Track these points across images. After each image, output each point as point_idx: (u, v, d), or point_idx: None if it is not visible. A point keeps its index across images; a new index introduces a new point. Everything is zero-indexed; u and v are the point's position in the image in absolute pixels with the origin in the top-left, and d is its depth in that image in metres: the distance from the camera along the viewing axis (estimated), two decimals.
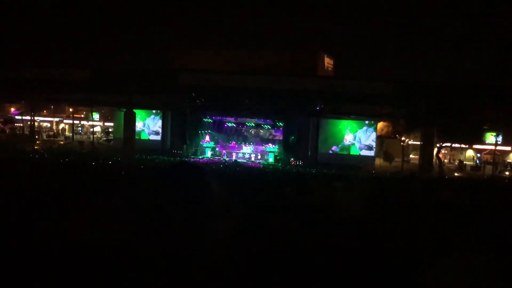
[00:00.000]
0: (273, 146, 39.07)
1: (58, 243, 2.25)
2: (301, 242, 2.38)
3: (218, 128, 41.06)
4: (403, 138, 38.51)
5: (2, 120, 49.65)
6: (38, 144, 40.93)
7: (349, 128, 36.33)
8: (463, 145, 40.05)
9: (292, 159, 36.64)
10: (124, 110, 34.51)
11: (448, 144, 38.50)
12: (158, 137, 40.13)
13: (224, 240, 1.90)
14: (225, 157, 38.22)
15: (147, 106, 38.61)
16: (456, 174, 35.84)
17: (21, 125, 48.75)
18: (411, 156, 42.31)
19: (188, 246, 1.88)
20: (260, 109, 36.67)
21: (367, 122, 36.01)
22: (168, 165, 2.08)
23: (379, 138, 38.01)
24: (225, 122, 40.97)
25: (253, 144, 40.20)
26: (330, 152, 36.49)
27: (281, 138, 38.77)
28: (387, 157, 37.46)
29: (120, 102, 35.86)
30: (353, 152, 36.27)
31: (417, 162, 36.57)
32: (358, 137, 36.05)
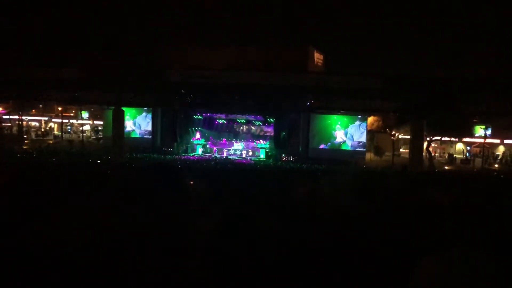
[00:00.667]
0: (264, 142, 39.02)
1: (40, 242, 2.16)
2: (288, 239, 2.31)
3: (208, 125, 40.89)
4: (393, 132, 38.66)
5: None
6: (26, 144, 40.52)
7: (339, 123, 36.32)
8: (452, 139, 40.30)
9: (283, 155, 36.60)
10: (113, 108, 34.26)
11: (438, 138, 38.72)
12: (149, 135, 39.85)
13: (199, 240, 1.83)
14: (215, 154, 38.09)
15: (136, 104, 38.28)
16: (446, 167, 36.09)
17: (9, 124, 48.18)
18: (401, 150, 42.48)
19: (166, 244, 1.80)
20: (251, 105, 36.53)
21: (359, 117, 35.99)
22: (145, 167, 2.00)
23: (369, 133, 38.10)
24: (215, 119, 40.80)
25: (244, 140, 40.09)
26: (321, 147, 36.48)
27: (272, 134, 38.69)
28: (378, 151, 37.62)
29: (109, 100, 35.53)
30: (344, 147, 36.31)
31: (407, 156, 36.74)
32: (350, 134, 36.02)
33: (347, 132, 36.13)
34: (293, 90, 33.94)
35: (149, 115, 40.06)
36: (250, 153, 38.40)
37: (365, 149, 36.44)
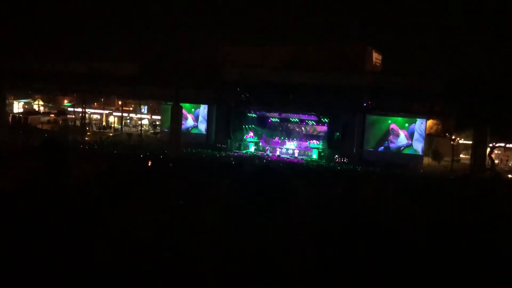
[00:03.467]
0: (317, 142, 38.66)
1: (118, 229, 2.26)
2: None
3: (262, 123, 41.11)
4: (453, 137, 37.13)
5: (56, 112, 51.85)
6: (88, 136, 42.46)
7: (395, 123, 34.94)
8: None
9: (336, 156, 36.08)
10: (171, 103, 35.21)
11: (502, 144, 36.80)
12: (204, 130, 40.54)
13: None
14: (268, 153, 38.21)
15: (193, 100, 39.14)
16: (510, 176, 34.22)
17: (73, 116, 50.73)
18: (461, 155, 40.71)
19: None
20: (305, 104, 36.33)
21: (418, 119, 34.43)
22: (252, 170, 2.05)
23: (428, 136, 36.77)
24: (269, 117, 40.94)
25: (296, 139, 39.93)
26: (381, 149, 35.27)
27: (325, 134, 38.27)
28: (436, 156, 36.22)
29: (167, 96, 36.58)
30: (407, 151, 34.99)
31: (467, 162, 35.16)
32: (418, 133, 34.08)
33: (415, 131, 34.53)
34: (349, 90, 33.45)
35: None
36: (303, 153, 38.17)
37: (422, 153, 35.12)
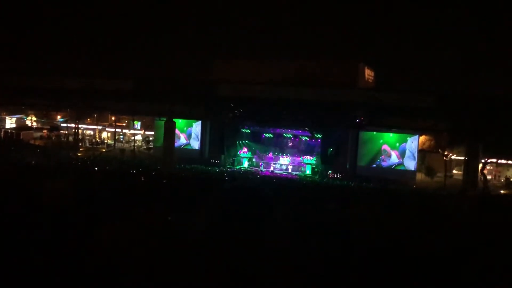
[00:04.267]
0: (311, 158, 38.71)
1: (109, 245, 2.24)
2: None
3: (255, 139, 41.19)
4: (445, 153, 37.33)
5: (49, 127, 51.62)
6: (81, 152, 42.23)
7: (387, 142, 35.46)
8: (510, 161, 38.44)
9: (330, 171, 36.15)
10: (164, 119, 35.21)
11: (494, 160, 37.02)
12: (197, 147, 40.49)
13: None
14: (261, 168, 38.19)
15: (186, 116, 39.17)
16: (502, 191, 34.37)
17: (66, 132, 50.49)
18: (453, 171, 40.89)
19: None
20: (298, 120, 36.45)
21: (411, 135, 34.94)
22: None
23: (421, 152, 36.97)
24: (262, 133, 41.04)
25: (290, 155, 39.97)
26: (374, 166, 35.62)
27: (318, 150, 38.35)
28: (429, 172, 36.34)
29: (161, 112, 36.56)
30: (401, 167, 35.32)
31: (459, 177, 35.28)
32: (409, 151, 34.90)
33: (406, 150, 35.03)
34: (342, 106, 33.62)
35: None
36: (296, 168, 38.17)
37: (415, 169, 35.34)
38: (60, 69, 44.05)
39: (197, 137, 40.30)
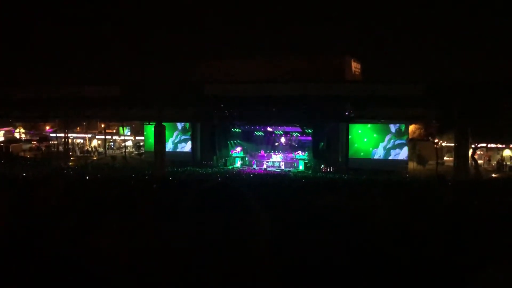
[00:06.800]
0: (303, 153, 38.74)
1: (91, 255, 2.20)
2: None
3: (246, 138, 41.11)
4: (436, 140, 37.54)
5: (38, 138, 51.19)
6: (72, 161, 41.95)
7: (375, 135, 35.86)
8: (499, 145, 38.72)
9: (322, 166, 36.24)
10: (153, 124, 35.05)
11: (484, 145, 37.29)
12: (188, 149, 40.41)
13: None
14: (254, 167, 38.18)
15: (176, 119, 39.02)
16: (493, 175, 34.65)
17: (56, 142, 50.11)
18: (445, 158, 41.14)
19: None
20: (288, 116, 36.46)
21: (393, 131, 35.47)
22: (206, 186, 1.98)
23: (411, 141, 37.15)
24: (253, 131, 40.97)
25: (282, 152, 39.97)
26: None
27: (310, 145, 38.40)
28: (421, 160, 36.53)
29: (150, 116, 36.38)
30: (385, 156, 35.60)
31: (451, 164, 35.52)
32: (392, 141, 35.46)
33: (391, 139, 35.48)
34: (331, 100, 33.68)
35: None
36: (289, 165, 38.20)
37: (407, 158, 35.55)
38: (44, 79, 43.64)
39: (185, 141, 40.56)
